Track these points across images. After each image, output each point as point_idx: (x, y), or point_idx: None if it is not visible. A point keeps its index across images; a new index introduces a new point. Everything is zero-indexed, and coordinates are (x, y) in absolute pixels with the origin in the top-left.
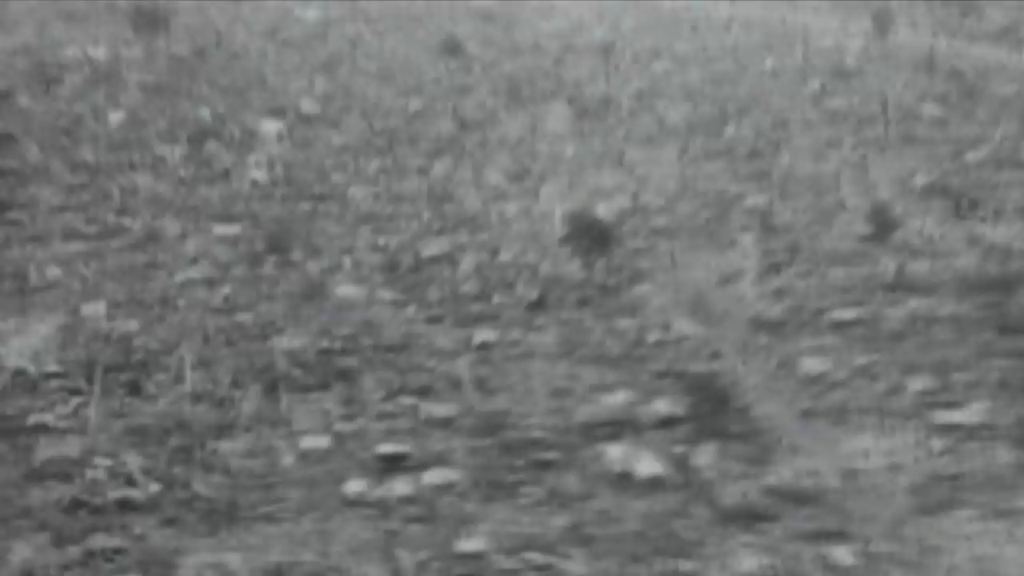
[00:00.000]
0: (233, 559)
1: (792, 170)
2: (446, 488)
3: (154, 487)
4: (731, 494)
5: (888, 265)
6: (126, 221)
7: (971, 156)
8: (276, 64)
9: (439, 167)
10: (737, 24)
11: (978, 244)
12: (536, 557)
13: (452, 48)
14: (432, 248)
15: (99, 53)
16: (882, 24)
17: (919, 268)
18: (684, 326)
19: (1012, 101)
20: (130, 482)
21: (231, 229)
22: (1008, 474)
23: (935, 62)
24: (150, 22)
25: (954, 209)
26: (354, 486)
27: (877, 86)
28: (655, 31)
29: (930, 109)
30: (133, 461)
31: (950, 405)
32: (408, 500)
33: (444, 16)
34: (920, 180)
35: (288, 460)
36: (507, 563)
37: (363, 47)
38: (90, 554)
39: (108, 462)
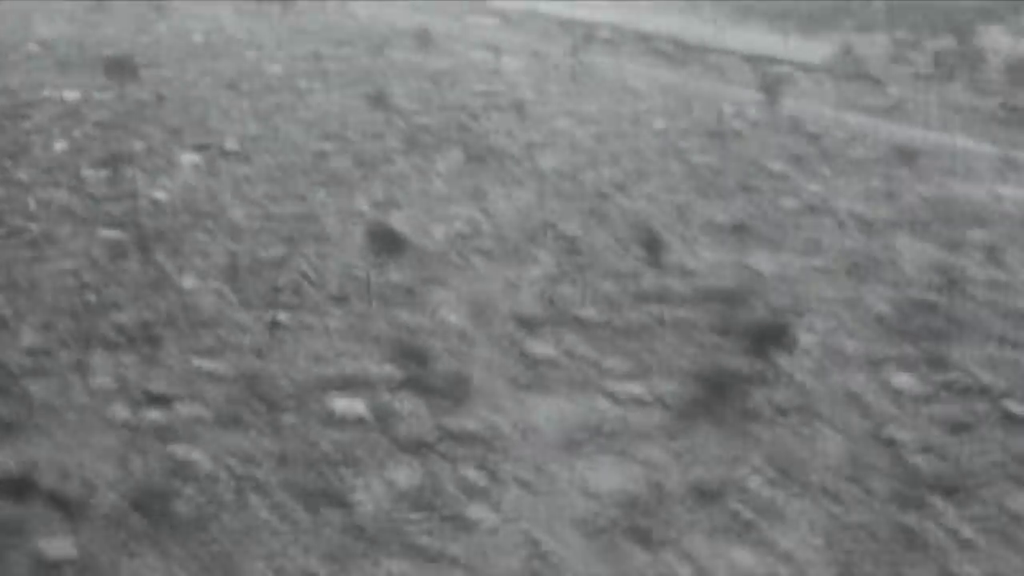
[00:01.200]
0: (4, 454)
1: (621, 207)
2: (192, 418)
3: None
4: (412, 432)
5: (649, 280)
6: (31, 225)
7: (786, 203)
8: (223, 109)
9: (318, 194)
10: (655, 91)
11: (741, 269)
12: (235, 464)
13: (380, 102)
14: (272, 253)
15: (71, 95)
16: (772, 94)
17: (676, 284)
18: (453, 318)
19: (860, 162)
20: None
21: (114, 234)
22: (645, 426)
23: (805, 128)
24: (123, 71)
25: (736, 241)
26: (119, 412)
27: (745, 146)
28: (576, 95)
29: (778, 165)
30: None
31: (631, 379)
32: (158, 424)
33: (394, 75)
34: (724, 219)
35: (76, 393)
36: (210, 466)
37: (308, 98)
38: None
39: None
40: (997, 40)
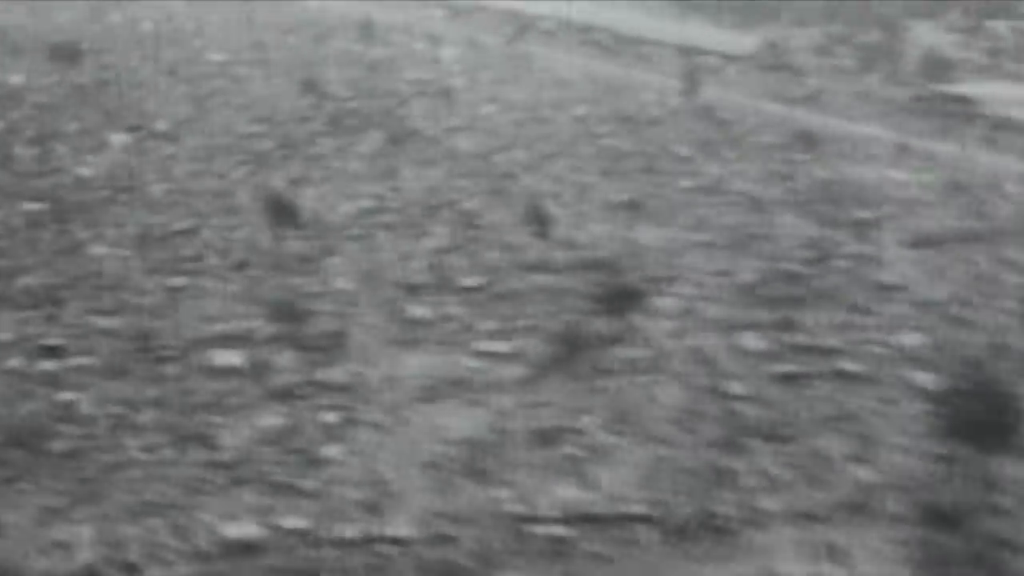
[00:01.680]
0: None
1: (524, 186)
2: (82, 369)
3: None
4: (283, 382)
5: (536, 252)
6: None
7: (683, 184)
8: (160, 94)
9: (237, 172)
10: (583, 79)
11: (626, 242)
12: (115, 408)
13: (313, 88)
14: (183, 225)
15: (15, 79)
16: (693, 83)
17: (560, 255)
18: (342, 284)
19: (764, 147)
20: None
21: (35, 206)
22: (501, 380)
23: (718, 115)
24: (69, 57)
25: (627, 218)
26: (13, 362)
27: (657, 132)
28: (505, 83)
29: (684, 150)
30: None
31: (497, 338)
32: (49, 374)
33: (332, 64)
34: (620, 198)
35: None
36: (92, 410)
37: (244, 85)
38: None
39: None
40: (922, 36)
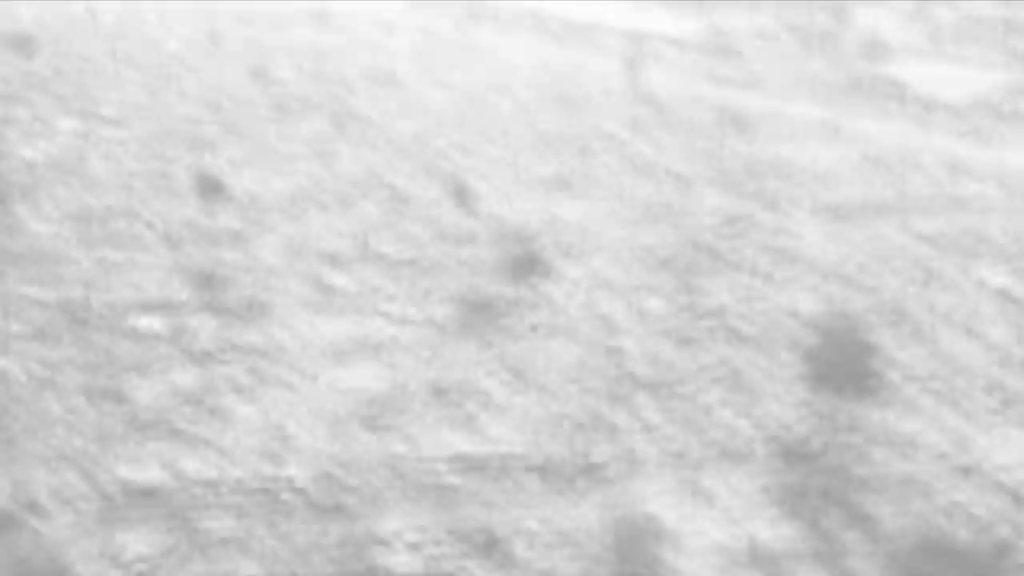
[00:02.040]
0: None
1: (456, 165)
2: (11, 334)
3: None
4: (201, 344)
5: (458, 225)
6: None
7: (612, 161)
8: (113, 81)
9: (180, 154)
10: (529, 64)
11: (547, 215)
12: (38, 369)
13: (263, 75)
14: (121, 203)
15: None
16: (635, 67)
17: (481, 227)
18: (268, 255)
19: (697, 127)
20: None
21: None
22: (407, 340)
23: (655, 97)
24: (26, 46)
25: (552, 193)
26: None
27: (594, 113)
28: (451, 68)
29: (617, 130)
30: None
31: (409, 303)
32: None
33: (284, 51)
34: (547, 175)
35: None
36: (15, 371)
37: (196, 72)
38: None
39: None
40: (867, 20)
